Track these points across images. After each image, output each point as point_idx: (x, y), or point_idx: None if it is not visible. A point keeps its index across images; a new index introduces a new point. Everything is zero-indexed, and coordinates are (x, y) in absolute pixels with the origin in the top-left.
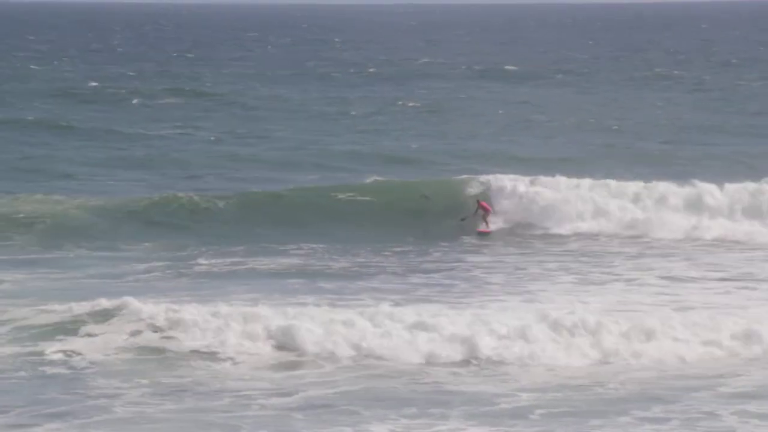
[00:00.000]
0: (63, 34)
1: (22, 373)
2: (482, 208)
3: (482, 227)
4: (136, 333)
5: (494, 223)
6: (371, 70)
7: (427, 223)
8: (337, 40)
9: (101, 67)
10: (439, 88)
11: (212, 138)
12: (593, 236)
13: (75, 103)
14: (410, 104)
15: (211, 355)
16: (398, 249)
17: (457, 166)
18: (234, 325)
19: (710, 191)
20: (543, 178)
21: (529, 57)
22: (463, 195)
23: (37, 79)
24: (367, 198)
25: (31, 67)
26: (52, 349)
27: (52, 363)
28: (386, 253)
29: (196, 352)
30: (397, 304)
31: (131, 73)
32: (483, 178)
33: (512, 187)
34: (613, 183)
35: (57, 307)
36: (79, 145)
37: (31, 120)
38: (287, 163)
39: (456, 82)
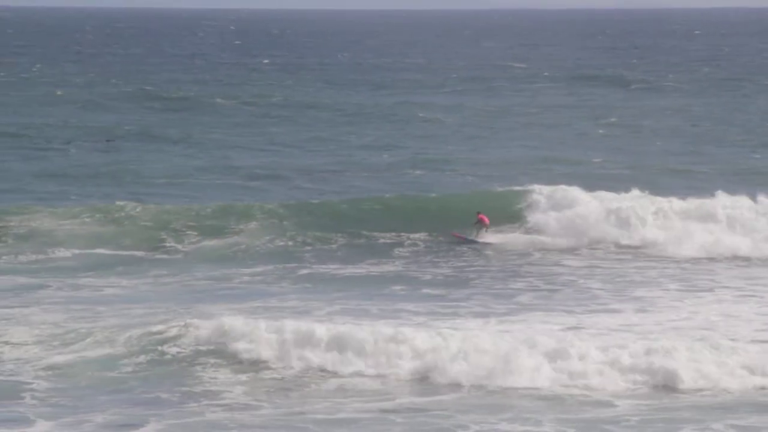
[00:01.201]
0: (154, 39)
1: (131, 369)
2: (480, 220)
3: (472, 236)
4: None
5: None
6: (454, 76)
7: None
8: (424, 45)
9: (191, 74)
10: (528, 91)
11: (306, 143)
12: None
13: (160, 109)
14: (497, 110)
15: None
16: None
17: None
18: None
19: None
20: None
21: (627, 62)
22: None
23: (124, 85)
24: (465, 204)
25: (115, 71)
26: (159, 351)
27: (159, 362)
28: (488, 252)
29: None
30: (507, 314)
31: (220, 79)
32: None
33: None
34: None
35: (168, 308)
36: (168, 151)
37: (117, 126)
38: (383, 169)
39: (548, 86)
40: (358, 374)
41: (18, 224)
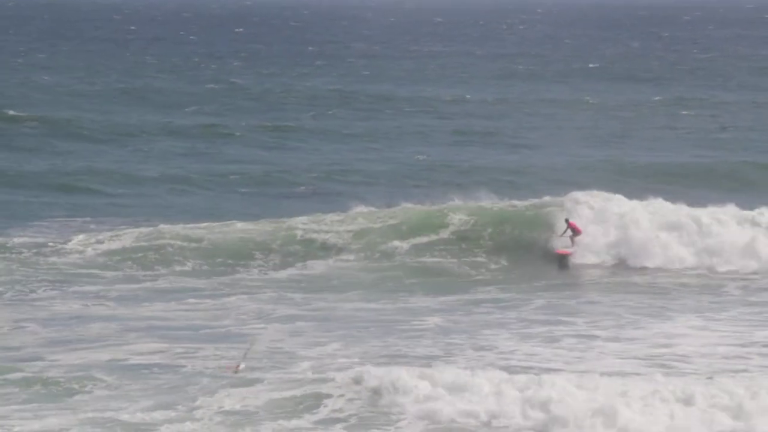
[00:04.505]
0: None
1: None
2: (572, 228)
3: (563, 249)
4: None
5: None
6: (593, 65)
7: None
8: (567, 41)
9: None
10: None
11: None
12: None
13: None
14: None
15: None
16: None
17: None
18: None
19: None
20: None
21: None
22: None
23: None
24: None
25: (264, 72)
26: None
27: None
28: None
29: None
30: None
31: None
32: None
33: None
34: None
35: None
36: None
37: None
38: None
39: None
40: None
41: None
